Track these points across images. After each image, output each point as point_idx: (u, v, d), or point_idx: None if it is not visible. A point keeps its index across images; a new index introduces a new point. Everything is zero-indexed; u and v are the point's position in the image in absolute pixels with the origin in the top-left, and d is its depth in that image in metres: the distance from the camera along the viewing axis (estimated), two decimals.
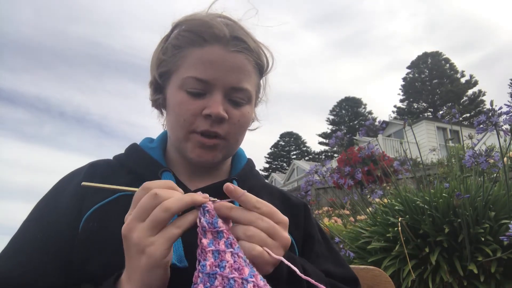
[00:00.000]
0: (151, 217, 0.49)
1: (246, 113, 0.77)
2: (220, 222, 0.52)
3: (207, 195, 0.55)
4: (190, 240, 0.54)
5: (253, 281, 0.47)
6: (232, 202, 0.56)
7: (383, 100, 66.97)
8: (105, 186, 0.57)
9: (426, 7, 63.56)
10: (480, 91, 31.88)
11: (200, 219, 0.52)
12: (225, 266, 0.48)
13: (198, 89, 0.72)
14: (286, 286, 0.58)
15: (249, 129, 0.85)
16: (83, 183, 0.56)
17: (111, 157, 0.82)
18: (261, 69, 0.81)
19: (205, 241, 0.50)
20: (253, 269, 0.50)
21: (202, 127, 0.72)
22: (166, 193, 0.51)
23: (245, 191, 0.55)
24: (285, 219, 0.58)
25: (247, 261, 0.51)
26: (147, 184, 0.53)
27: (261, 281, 0.48)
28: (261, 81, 0.85)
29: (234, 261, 0.49)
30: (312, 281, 0.51)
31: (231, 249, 0.50)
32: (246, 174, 0.84)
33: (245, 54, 0.74)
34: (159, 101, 0.81)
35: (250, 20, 0.79)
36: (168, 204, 0.49)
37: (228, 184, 0.55)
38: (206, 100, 0.72)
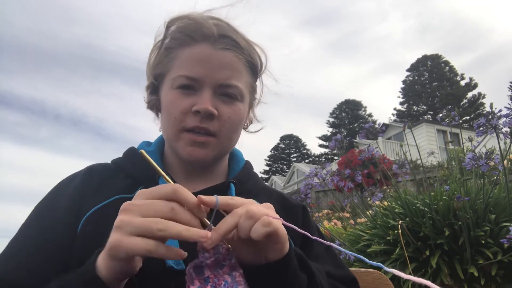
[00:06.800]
0: (143, 221, 0.47)
1: (238, 110, 0.77)
2: (206, 270, 0.52)
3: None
4: (187, 242, 0.53)
5: None
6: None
7: (383, 103, 67.13)
8: (154, 165, 0.56)
9: (418, 9, 63.83)
10: (479, 93, 31.90)
11: (188, 269, 0.52)
12: None
13: (187, 85, 0.73)
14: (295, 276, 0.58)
15: (251, 131, 0.85)
16: (142, 150, 0.57)
17: (107, 159, 0.83)
18: (254, 68, 0.81)
19: None
20: None
21: (191, 123, 0.72)
22: (183, 215, 0.49)
23: (216, 196, 0.52)
24: (264, 210, 0.55)
25: None
26: (174, 186, 0.50)
27: None
28: (258, 82, 0.85)
29: None
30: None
31: None
32: (244, 177, 0.84)
33: (234, 51, 0.75)
34: (153, 102, 0.83)
35: (246, 21, 0.79)
36: (167, 226, 0.47)
37: (199, 196, 0.51)
38: (196, 98, 0.73)
